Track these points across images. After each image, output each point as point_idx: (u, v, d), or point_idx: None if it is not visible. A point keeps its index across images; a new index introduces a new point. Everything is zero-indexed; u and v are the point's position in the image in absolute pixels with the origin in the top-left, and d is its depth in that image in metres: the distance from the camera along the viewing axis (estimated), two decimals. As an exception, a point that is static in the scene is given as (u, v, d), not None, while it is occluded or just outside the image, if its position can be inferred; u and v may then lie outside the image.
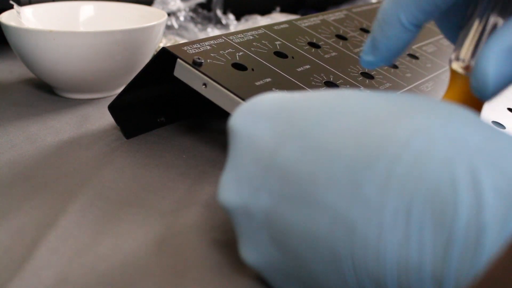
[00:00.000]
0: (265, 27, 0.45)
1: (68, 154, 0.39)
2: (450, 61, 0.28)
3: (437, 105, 0.22)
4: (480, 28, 0.27)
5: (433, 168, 0.19)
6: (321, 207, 0.21)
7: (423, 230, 0.19)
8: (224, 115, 0.37)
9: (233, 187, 0.24)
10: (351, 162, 0.20)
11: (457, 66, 0.28)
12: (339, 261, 0.20)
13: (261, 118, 0.24)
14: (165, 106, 0.45)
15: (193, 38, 0.67)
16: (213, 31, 0.69)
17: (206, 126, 0.45)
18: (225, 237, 0.30)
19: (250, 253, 0.25)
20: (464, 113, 0.21)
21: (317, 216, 0.21)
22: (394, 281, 0.19)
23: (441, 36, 0.55)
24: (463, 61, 0.28)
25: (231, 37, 0.41)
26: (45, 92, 0.51)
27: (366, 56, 0.29)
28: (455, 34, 0.30)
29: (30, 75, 0.55)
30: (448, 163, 0.19)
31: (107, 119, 0.45)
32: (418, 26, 0.28)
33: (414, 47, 0.51)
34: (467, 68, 0.27)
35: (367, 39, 0.29)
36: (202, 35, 0.68)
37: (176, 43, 0.53)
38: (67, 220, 0.31)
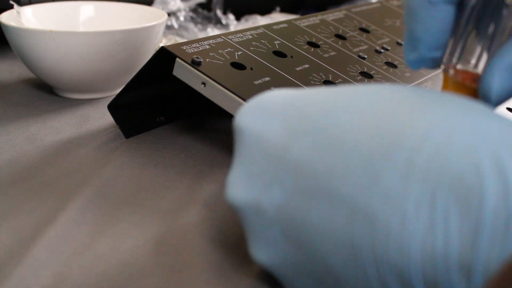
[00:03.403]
0: (264, 26, 0.45)
1: (68, 154, 0.39)
2: (446, 67, 0.27)
3: (453, 98, 0.22)
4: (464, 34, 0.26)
5: (456, 157, 0.19)
6: (339, 200, 0.21)
7: (448, 219, 0.19)
8: (223, 114, 0.37)
9: (242, 184, 0.24)
10: (368, 154, 0.20)
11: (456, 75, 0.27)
12: (359, 254, 0.20)
13: (270, 115, 0.24)
14: (164, 106, 0.45)
15: (193, 38, 0.67)
16: (213, 31, 0.69)
17: (205, 125, 0.45)
18: (223, 236, 0.30)
19: (260, 251, 0.24)
20: (480, 106, 0.22)
21: (335, 208, 0.21)
22: (418, 271, 0.19)
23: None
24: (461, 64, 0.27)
25: (230, 37, 0.41)
26: (45, 92, 0.51)
27: (409, 54, 0.27)
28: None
29: (30, 75, 0.55)
30: (471, 152, 0.19)
31: (107, 119, 0.45)
32: (449, 1, 0.25)
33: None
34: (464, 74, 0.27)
35: (404, 36, 0.27)
36: (202, 35, 0.68)
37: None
38: (66, 219, 0.31)
